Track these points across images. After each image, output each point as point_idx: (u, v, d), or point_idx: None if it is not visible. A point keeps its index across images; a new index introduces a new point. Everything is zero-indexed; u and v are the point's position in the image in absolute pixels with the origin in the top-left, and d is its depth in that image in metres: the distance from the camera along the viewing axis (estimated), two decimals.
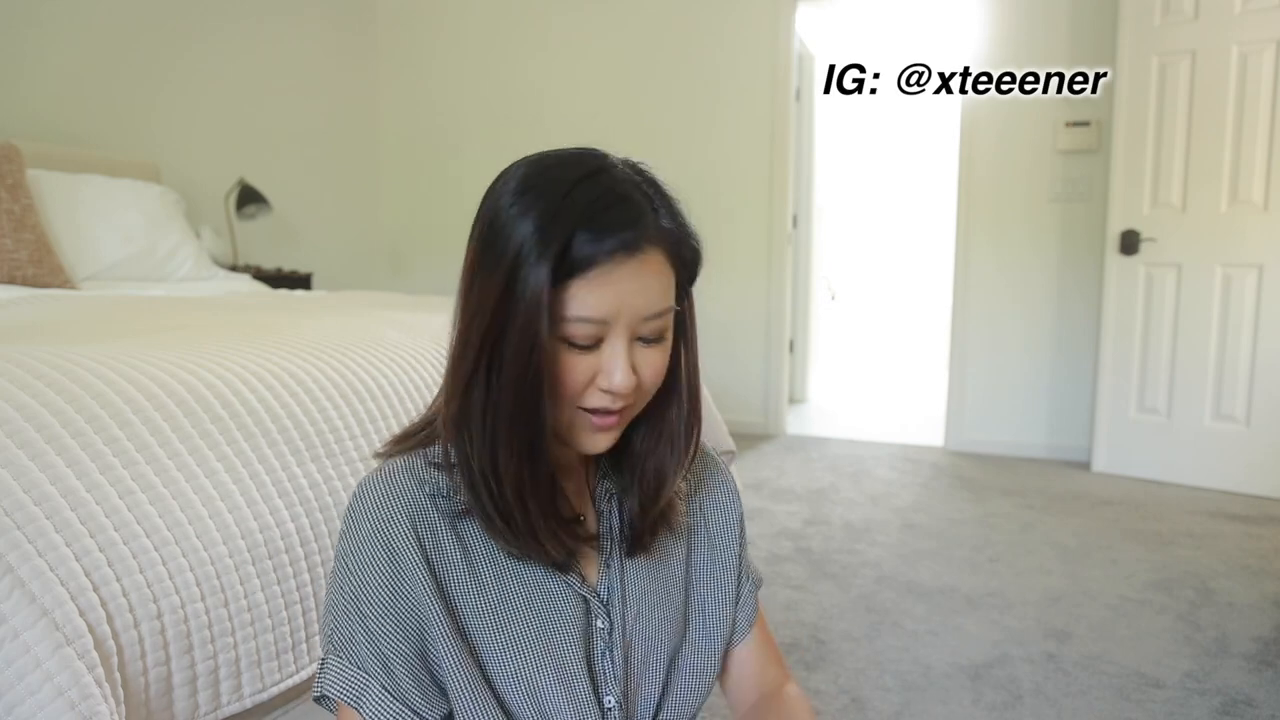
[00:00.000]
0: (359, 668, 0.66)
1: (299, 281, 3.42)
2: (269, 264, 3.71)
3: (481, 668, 0.67)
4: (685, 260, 0.69)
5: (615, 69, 4.20)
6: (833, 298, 6.26)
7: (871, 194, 6.69)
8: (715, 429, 2.08)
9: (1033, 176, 3.63)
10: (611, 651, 0.72)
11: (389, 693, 0.65)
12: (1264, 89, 2.98)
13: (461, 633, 0.67)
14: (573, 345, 0.64)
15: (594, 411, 0.66)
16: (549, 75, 4.30)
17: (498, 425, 0.64)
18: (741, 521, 0.84)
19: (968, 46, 3.67)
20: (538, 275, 0.61)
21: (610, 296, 0.62)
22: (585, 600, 0.71)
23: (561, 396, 0.65)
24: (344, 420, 1.20)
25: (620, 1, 4.16)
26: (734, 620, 0.82)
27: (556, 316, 0.62)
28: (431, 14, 4.49)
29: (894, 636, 1.95)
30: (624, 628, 0.73)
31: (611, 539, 0.74)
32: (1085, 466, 3.51)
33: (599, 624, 0.72)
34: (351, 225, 4.44)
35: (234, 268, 3.33)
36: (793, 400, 4.92)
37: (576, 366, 0.64)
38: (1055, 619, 2.05)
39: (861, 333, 6.79)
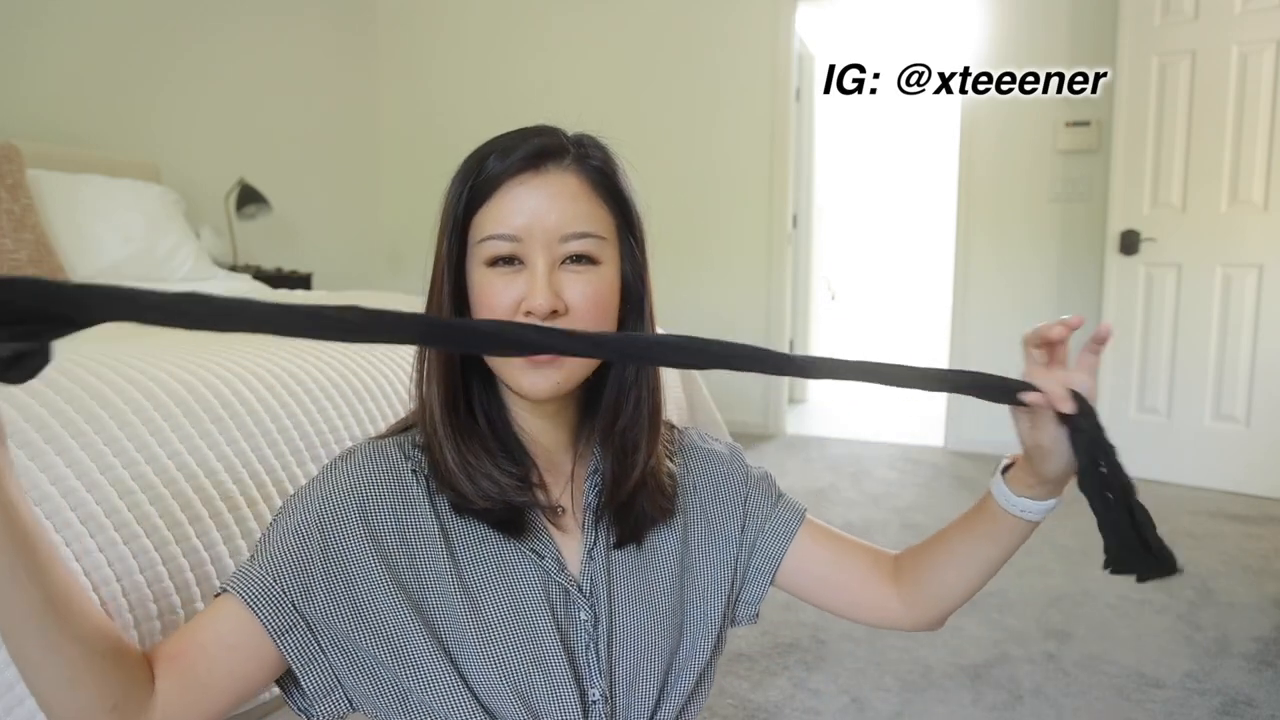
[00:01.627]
0: (265, 574, 0.65)
1: (299, 281, 3.42)
2: (269, 264, 3.71)
3: (455, 651, 0.66)
4: (615, 196, 0.70)
5: (615, 69, 4.20)
6: (833, 298, 6.26)
7: (871, 194, 6.70)
8: (715, 429, 2.08)
9: (1033, 176, 3.63)
10: (595, 645, 0.70)
11: (285, 603, 0.64)
12: (1264, 89, 2.98)
13: (421, 607, 0.66)
14: (494, 267, 0.66)
15: None
16: (549, 75, 4.30)
17: (428, 365, 0.69)
18: (746, 480, 0.81)
19: (968, 46, 3.67)
20: (452, 196, 0.67)
21: (518, 211, 0.65)
22: (565, 590, 0.70)
23: None
24: (344, 420, 1.20)
25: (620, 1, 4.16)
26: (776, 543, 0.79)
27: (475, 239, 0.67)
28: (431, 14, 4.49)
29: (894, 636, 1.95)
30: (609, 622, 0.71)
31: (595, 528, 0.73)
32: None
33: (582, 616, 0.70)
34: (351, 225, 4.45)
35: (234, 268, 3.33)
36: (793, 400, 4.92)
37: (501, 291, 0.65)
38: (1055, 619, 2.04)
39: (861, 332, 6.79)
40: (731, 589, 0.78)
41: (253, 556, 0.67)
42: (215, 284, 2.73)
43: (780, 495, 0.82)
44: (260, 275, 3.25)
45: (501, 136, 0.68)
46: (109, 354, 1.09)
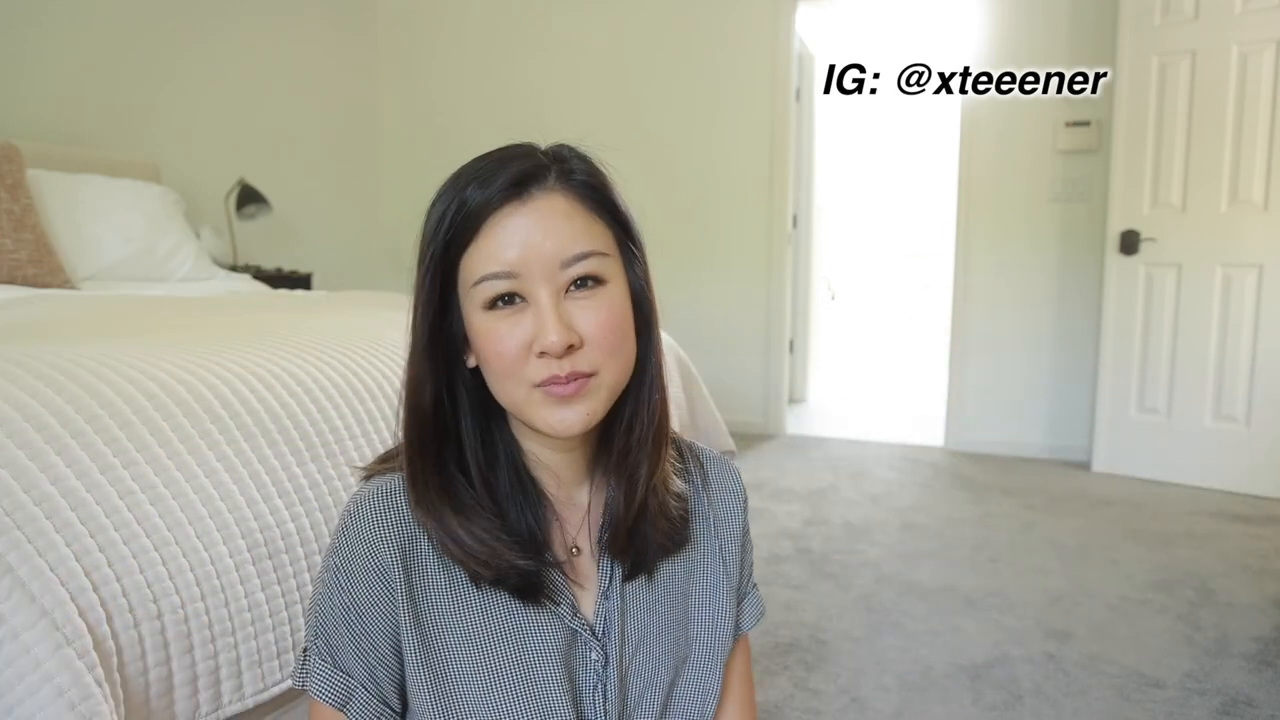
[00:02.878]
0: (345, 673, 0.66)
1: (299, 281, 3.41)
2: (269, 264, 3.71)
3: (458, 703, 0.66)
4: (608, 208, 0.65)
5: (615, 69, 4.20)
6: (833, 298, 6.26)
7: (871, 194, 6.70)
8: (715, 429, 2.08)
9: (1033, 176, 3.63)
10: (604, 686, 0.69)
11: (374, 696, 0.66)
12: (1264, 89, 2.98)
13: (436, 668, 0.66)
14: (496, 309, 0.62)
15: (547, 384, 0.61)
16: (549, 75, 4.30)
17: (412, 416, 0.65)
18: (745, 531, 0.79)
19: (968, 46, 3.67)
20: (429, 229, 0.64)
21: (509, 245, 0.61)
22: (577, 633, 0.69)
23: (501, 371, 0.62)
24: (344, 420, 1.19)
25: (620, 1, 4.16)
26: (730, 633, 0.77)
27: (468, 282, 0.62)
28: (431, 14, 4.49)
29: (894, 636, 1.95)
30: (620, 661, 0.70)
31: (610, 564, 0.71)
32: (1085, 466, 3.51)
33: (593, 657, 0.69)
34: (351, 225, 4.45)
35: (234, 268, 3.33)
36: (793, 400, 4.92)
37: (509, 334, 0.61)
38: (1055, 619, 2.04)
39: (861, 333, 6.79)
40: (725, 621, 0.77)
41: (317, 651, 0.67)
42: (215, 283, 2.73)
43: (749, 593, 0.82)
44: (260, 275, 3.25)
45: (477, 162, 0.64)
46: (109, 354, 1.09)
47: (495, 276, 0.61)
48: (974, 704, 1.66)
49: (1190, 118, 3.13)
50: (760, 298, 4.09)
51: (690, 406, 2.00)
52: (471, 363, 0.66)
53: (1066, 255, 3.62)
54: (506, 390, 0.63)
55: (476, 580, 0.66)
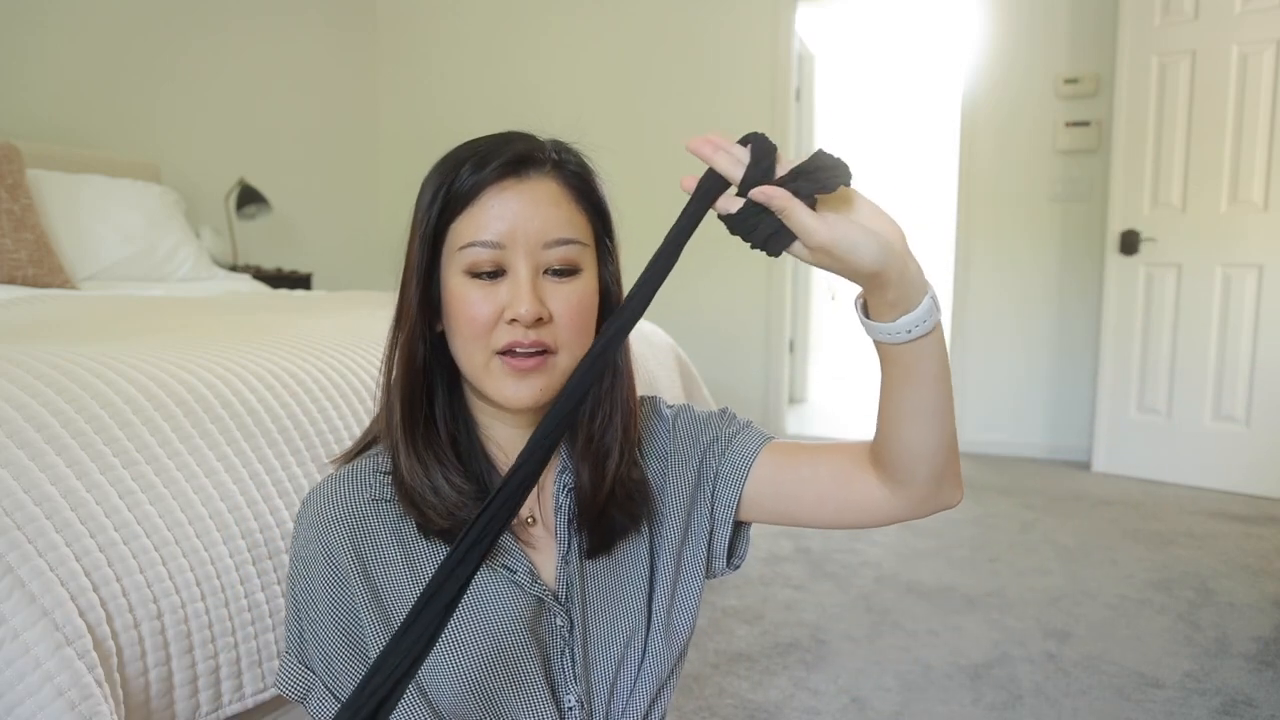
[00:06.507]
0: (305, 665, 0.69)
1: (299, 281, 3.41)
2: (269, 264, 3.71)
3: (431, 680, 0.67)
4: (593, 202, 0.69)
5: (615, 69, 4.20)
6: (833, 298, 6.25)
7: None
8: None
9: (1033, 176, 3.63)
10: (570, 650, 0.70)
11: (330, 691, 0.68)
12: (1264, 89, 2.98)
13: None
14: (475, 276, 0.64)
15: (509, 354, 0.64)
16: (549, 75, 4.30)
17: (395, 368, 0.68)
18: (702, 456, 0.75)
19: (968, 46, 3.67)
20: (424, 200, 0.66)
21: (499, 217, 0.64)
22: (539, 599, 0.70)
23: (468, 334, 0.65)
24: (344, 420, 1.20)
25: (620, 2, 4.16)
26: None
27: (453, 246, 0.65)
28: (431, 14, 4.49)
29: (894, 636, 1.95)
30: (584, 625, 0.71)
31: (569, 533, 0.72)
32: (1085, 466, 3.51)
33: (557, 622, 0.70)
34: (351, 225, 4.44)
35: (234, 268, 3.33)
36: (793, 400, 4.92)
37: (482, 300, 0.64)
38: (1055, 619, 2.05)
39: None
40: (687, 561, 0.76)
41: (286, 648, 0.71)
42: (215, 284, 2.73)
43: (739, 431, 0.76)
44: (260, 275, 3.25)
45: (477, 141, 0.67)
46: (109, 354, 1.09)
47: (482, 245, 0.64)
48: (974, 704, 1.66)
49: (1190, 118, 3.13)
50: (760, 298, 4.09)
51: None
52: (440, 328, 0.69)
53: (1066, 255, 3.62)
54: (469, 355, 0.66)
55: (426, 529, 0.67)
